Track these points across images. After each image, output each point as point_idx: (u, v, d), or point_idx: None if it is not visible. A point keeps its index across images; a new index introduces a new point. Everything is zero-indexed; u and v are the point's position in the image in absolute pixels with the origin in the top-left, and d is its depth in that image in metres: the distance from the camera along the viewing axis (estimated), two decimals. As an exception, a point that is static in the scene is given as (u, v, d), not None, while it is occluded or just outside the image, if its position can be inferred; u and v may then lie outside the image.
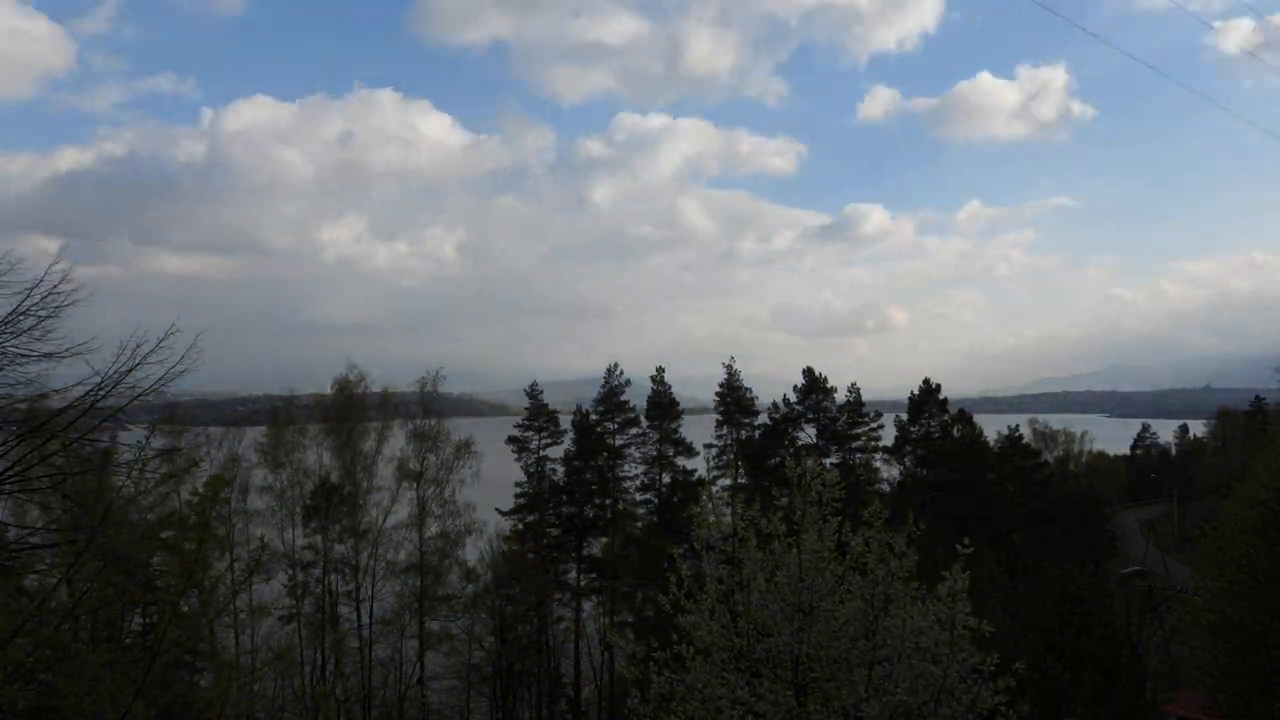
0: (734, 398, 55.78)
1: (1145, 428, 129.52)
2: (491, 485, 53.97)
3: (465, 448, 47.00)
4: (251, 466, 44.81)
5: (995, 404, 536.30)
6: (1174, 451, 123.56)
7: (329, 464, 45.27)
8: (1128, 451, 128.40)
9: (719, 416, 56.29)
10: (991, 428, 64.31)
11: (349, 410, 45.55)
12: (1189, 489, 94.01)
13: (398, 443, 46.94)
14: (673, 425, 53.99)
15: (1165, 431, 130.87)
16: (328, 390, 48.43)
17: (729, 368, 56.62)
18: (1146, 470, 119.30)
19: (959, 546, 11.42)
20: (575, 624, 50.66)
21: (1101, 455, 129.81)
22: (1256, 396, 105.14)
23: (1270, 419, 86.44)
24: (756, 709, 11.27)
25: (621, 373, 55.30)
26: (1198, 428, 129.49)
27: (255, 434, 46.93)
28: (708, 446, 55.59)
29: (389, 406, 49.01)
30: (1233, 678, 25.79)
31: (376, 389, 49.50)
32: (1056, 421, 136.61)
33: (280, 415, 47.04)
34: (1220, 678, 26.52)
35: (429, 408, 48.36)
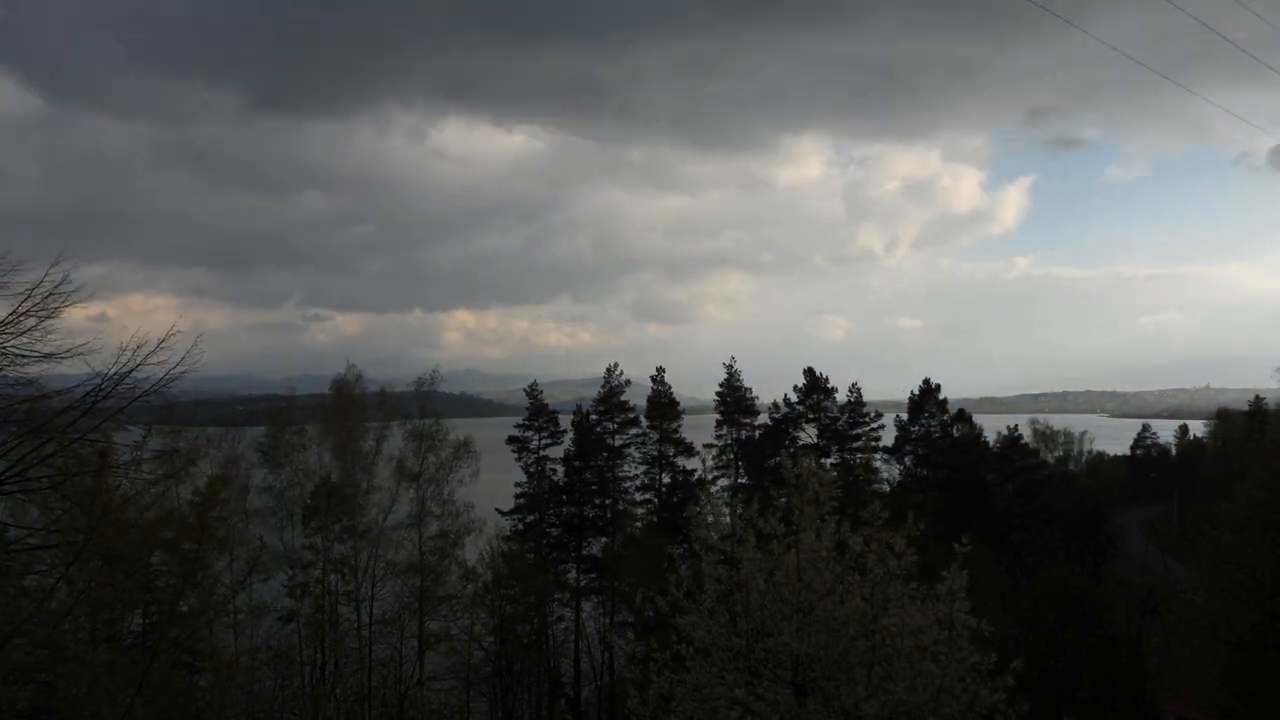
0: (734, 398, 55.82)
1: (1145, 428, 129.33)
2: (492, 485, 54.00)
3: (464, 447, 46.94)
4: (251, 466, 44.73)
5: (995, 404, 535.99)
6: (1174, 451, 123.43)
7: (328, 464, 45.20)
8: (1128, 451, 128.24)
9: (719, 416, 56.35)
10: (992, 428, 64.35)
11: (348, 410, 45.44)
12: (1189, 489, 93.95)
13: (396, 443, 46.87)
14: (673, 425, 54.04)
15: (1165, 431, 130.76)
16: (327, 391, 48.39)
17: (729, 367, 56.70)
18: (1146, 470, 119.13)
19: (957, 546, 11.43)
20: (575, 624, 50.68)
21: (1101, 455, 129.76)
22: (1256, 396, 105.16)
23: (1270, 419, 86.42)
24: (755, 709, 11.28)
25: (621, 373, 55.37)
26: (1198, 428, 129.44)
27: (255, 434, 46.86)
28: (707, 446, 55.63)
29: (387, 406, 48.93)
30: (1232, 678, 25.79)
31: (374, 389, 49.49)
32: (1056, 421, 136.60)
33: (279, 415, 46.98)
34: (1220, 678, 26.51)
35: (426, 408, 48.33)
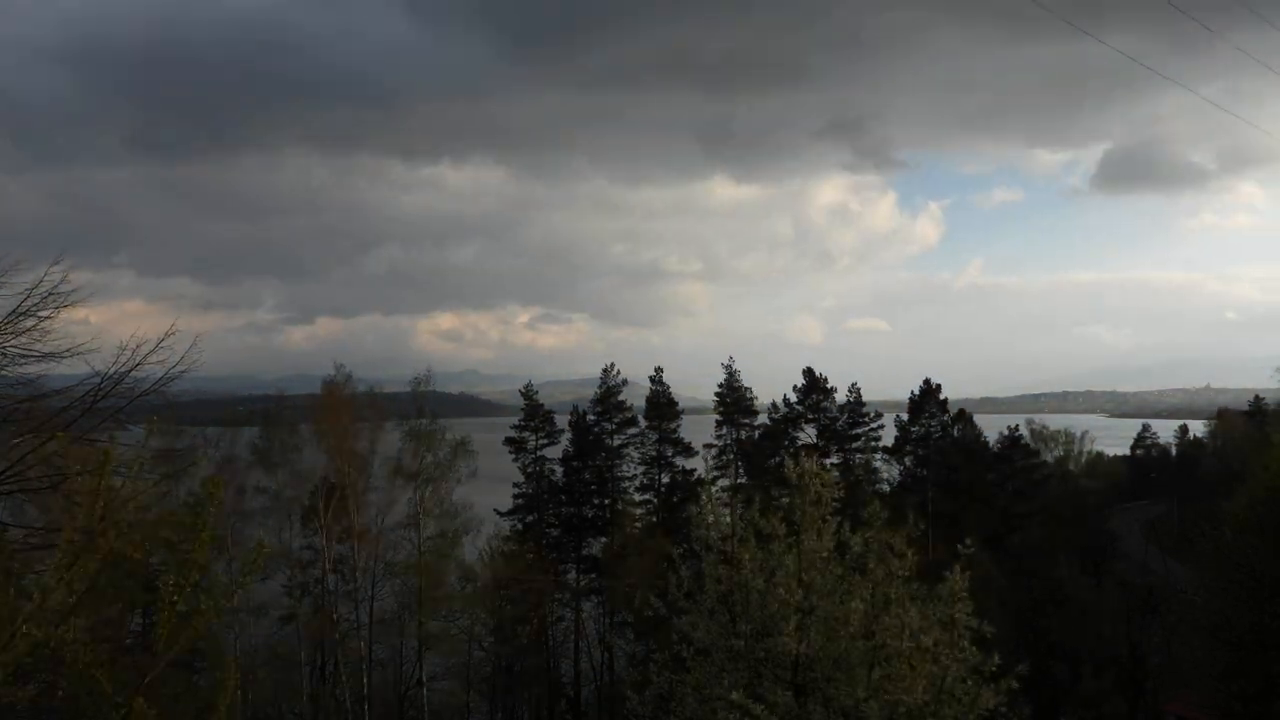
0: (733, 398, 55.78)
1: (1145, 428, 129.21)
2: (491, 485, 53.99)
3: (461, 447, 46.83)
4: (248, 467, 44.72)
5: (995, 404, 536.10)
6: (1174, 451, 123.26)
7: (325, 464, 45.12)
8: (1128, 451, 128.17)
9: (718, 416, 56.32)
10: (992, 428, 64.31)
11: (342, 410, 45.33)
12: (1189, 489, 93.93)
13: (393, 442, 46.80)
14: (672, 425, 54.03)
15: (1165, 431, 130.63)
16: (317, 392, 48.29)
17: (728, 368, 56.65)
18: (1146, 470, 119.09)
19: (960, 546, 11.40)
20: (575, 624, 50.68)
21: (1101, 455, 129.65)
22: (1256, 396, 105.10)
23: (1270, 419, 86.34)
24: (755, 710, 11.25)
25: (618, 373, 55.36)
26: (1198, 428, 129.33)
27: (252, 434, 46.84)
28: (707, 446, 55.61)
29: (381, 406, 48.89)
30: (1232, 678, 25.79)
31: (368, 389, 49.55)
32: (1056, 422, 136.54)
33: (274, 416, 47.01)
34: (1219, 678, 26.51)
35: (423, 407, 48.27)
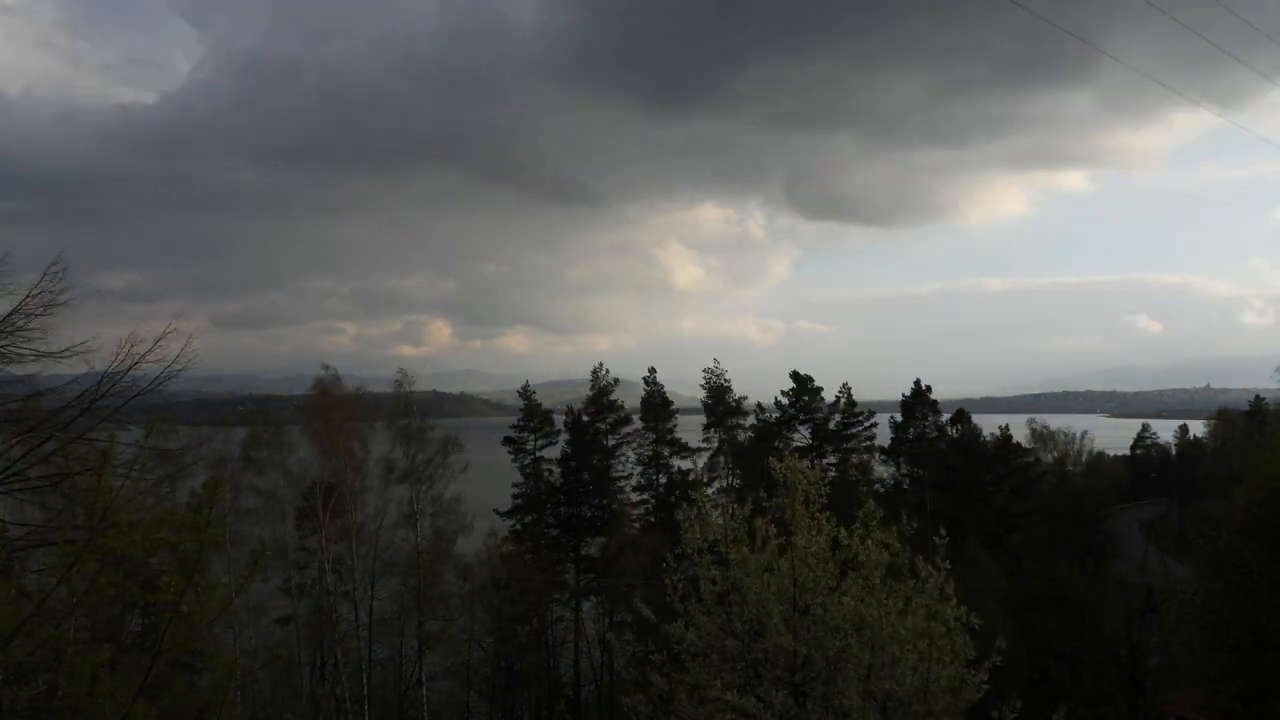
0: (722, 399, 55.89)
1: (1145, 428, 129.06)
2: (492, 484, 54.02)
3: (453, 444, 46.71)
4: (244, 467, 44.67)
5: (995, 404, 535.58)
6: (1174, 451, 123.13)
7: (320, 464, 45.01)
8: (1127, 452, 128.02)
9: (705, 419, 56.52)
10: (991, 428, 64.33)
11: (333, 410, 45.16)
12: (1189, 489, 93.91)
13: (385, 442, 46.69)
14: (668, 425, 54.10)
15: (1165, 431, 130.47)
16: (310, 392, 48.22)
17: (713, 371, 56.72)
18: (1146, 470, 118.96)
19: (935, 538, 11.48)
20: (575, 624, 50.68)
21: (1100, 455, 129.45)
22: (1257, 396, 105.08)
23: (1270, 419, 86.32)
24: (753, 710, 11.30)
25: (607, 372, 55.48)
26: (1197, 428, 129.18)
27: (249, 434, 46.78)
28: (697, 450, 55.73)
29: (372, 405, 48.89)
30: (1231, 679, 25.84)
31: (363, 390, 49.53)
32: (1056, 422, 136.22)
33: (269, 417, 47.00)
34: (1218, 679, 26.56)
35: (410, 406, 48.20)
